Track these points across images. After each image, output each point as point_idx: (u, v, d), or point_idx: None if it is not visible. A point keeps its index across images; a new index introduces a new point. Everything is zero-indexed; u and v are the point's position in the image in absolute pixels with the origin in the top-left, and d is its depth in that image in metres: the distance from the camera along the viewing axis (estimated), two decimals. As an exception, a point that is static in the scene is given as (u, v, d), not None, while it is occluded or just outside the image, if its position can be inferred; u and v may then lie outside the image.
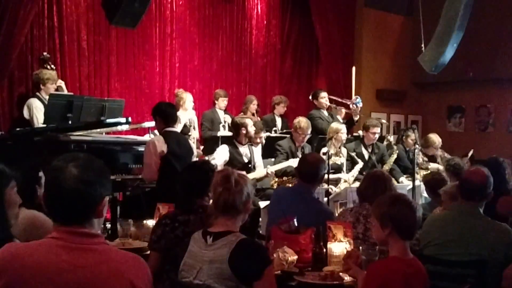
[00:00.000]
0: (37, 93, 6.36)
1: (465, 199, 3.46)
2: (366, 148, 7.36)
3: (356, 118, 8.06)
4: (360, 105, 8.02)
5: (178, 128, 7.02)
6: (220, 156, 6.16)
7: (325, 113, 8.01)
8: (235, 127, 6.37)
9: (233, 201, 2.68)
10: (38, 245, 1.86)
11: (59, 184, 1.84)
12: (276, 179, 6.48)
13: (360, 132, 7.77)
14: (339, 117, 8.02)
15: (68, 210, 1.85)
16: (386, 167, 7.15)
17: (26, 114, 6.27)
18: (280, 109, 8.59)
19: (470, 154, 7.48)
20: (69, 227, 1.85)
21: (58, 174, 1.85)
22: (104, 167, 1.94)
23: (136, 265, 1.89)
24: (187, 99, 7.31)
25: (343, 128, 6.96)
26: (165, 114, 5.38)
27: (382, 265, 2.74)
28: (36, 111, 6.19)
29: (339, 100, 8.40)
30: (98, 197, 1.87)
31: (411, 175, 6.66)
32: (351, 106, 8.06)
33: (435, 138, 7.85)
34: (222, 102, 8.06)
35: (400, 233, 2.70)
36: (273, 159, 6.68)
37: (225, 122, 7.79)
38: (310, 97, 8.22)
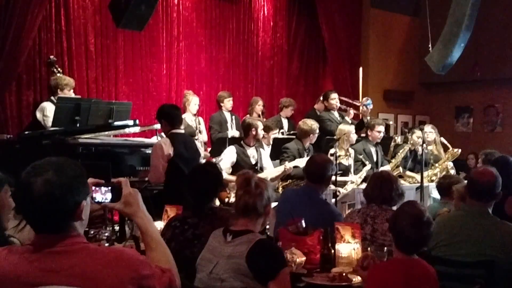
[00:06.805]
0: (52, 97, 6.39)
1: (473, 199, 3.43)
2: (374, 146, 7.28)
3: (366, 120, 8.00)
4: (370, 106, 7.97)
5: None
6: (227, 158, 6.15)
7: (336, 114, 7.94)
8: (246, 127, 6.32)
9: (254, 204, 2.72)
10: (8, 252, 1.84)
11: (28, 203, 1.79)
12: (281, 182, 6.47)
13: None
14: (348, 118, 8.00)
15: (42, 223, 1.82)
16: (394, 162, 7.16)
17: (39, 117, 6.31)
18: (288, 112, 8.51)
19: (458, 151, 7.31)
20: (46, 233, 1.82)
21: (26, 191, 1.78)
22: (77, 172, 1.84)
23: (115, 263, 1.82)
24: (192, 101, 7.32)
25: (352, 129, 6.93)
26: (170, 116, 5.35)
27: (382, 267, 2.76)
28: (50, 114, 6.21)
29: (350, 101, 8.33)
30: (72, 206, 1.82)
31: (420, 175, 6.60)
32: (361, 108, 8.01)
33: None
34: (228, 103, 7.97)
35: (401, 248, 2.73)
36: (279, 161, 6.65)
37: (232, 122, 7.77)
38: (321, 98, 8.18)
